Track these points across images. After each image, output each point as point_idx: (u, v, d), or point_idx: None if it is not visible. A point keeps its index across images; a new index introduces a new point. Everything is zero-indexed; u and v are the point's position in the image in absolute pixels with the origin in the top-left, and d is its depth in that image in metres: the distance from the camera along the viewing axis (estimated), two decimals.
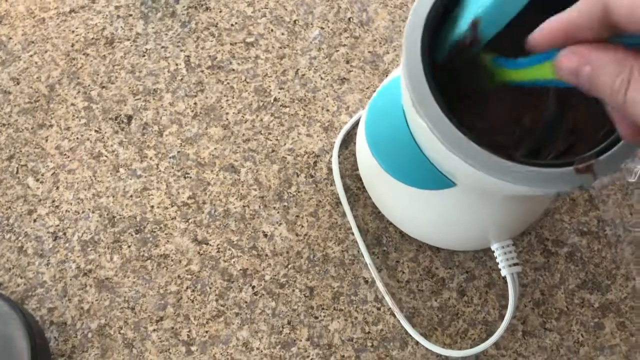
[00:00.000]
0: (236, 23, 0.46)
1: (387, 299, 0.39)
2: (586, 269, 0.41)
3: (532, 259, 0.41)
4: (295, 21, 0.46)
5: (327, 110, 0.44)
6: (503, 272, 0.36)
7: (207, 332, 0.38)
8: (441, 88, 0.27)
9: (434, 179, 0.31)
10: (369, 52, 0.45)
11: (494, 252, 0.36)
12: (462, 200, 0.34)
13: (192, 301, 0.39)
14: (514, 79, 0.26)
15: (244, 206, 0.41)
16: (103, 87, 0.44)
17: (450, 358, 0.38)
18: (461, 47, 0.28)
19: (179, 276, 0.39)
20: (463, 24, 0.27)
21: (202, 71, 0.44)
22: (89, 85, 0.44)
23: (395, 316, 0.39)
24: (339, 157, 0.42)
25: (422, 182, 0.32)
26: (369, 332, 0.39)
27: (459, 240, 0.38)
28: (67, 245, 0.40)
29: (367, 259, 0.39)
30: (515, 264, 0.36)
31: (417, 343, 0.38)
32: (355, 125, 0.43)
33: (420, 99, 0.26)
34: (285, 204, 0.41)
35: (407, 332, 0.38)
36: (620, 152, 0.26)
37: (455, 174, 0.30)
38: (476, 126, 0.31)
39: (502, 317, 0.39)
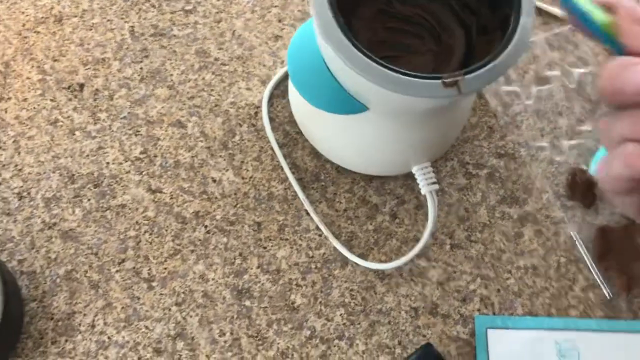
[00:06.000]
0: None
1: (322, 227, 0.43)
2: (505, 186, 0.45)
3: (456, 182, 0.45)
4: None
5: (264, 65, 0.48)
6: (423, 191, 0.40)
7: (165, 268, 0.42)
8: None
9: (348, 103, 0.36)
10: (299, 10, 0.50)
11: (414, 174, 0.41)
12: (378, 124, 0.38)
13: (150, 243, 0.43)
14: None
15: (192, 156, 0.45)
16: (55, 60, 0.47)
17: (386, 270, 0.42)
18: None
19: (137, 222, 0.43)
20: None
21: (146, 39, 0.48)
22: (42, 60, 0.47)
23: (337, 240, 0.43)
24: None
25: (338, 107, 0.36)
26: (312, 257, 0.43)
27: (384, 165, 0.42)
28: (31, 203, 0.43)
29: (300, 194, 0.43)
30: (433, 183, 0.40)
31: (356, 262, 0.42)
32: (286, 77, 0.47)
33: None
34: (231, 151, 0.45)
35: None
36: (484, 75, 0.30)
37: (357, 88, 0.34)
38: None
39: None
